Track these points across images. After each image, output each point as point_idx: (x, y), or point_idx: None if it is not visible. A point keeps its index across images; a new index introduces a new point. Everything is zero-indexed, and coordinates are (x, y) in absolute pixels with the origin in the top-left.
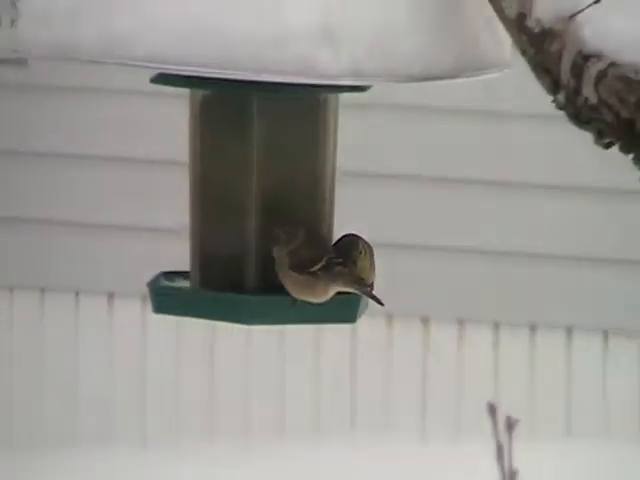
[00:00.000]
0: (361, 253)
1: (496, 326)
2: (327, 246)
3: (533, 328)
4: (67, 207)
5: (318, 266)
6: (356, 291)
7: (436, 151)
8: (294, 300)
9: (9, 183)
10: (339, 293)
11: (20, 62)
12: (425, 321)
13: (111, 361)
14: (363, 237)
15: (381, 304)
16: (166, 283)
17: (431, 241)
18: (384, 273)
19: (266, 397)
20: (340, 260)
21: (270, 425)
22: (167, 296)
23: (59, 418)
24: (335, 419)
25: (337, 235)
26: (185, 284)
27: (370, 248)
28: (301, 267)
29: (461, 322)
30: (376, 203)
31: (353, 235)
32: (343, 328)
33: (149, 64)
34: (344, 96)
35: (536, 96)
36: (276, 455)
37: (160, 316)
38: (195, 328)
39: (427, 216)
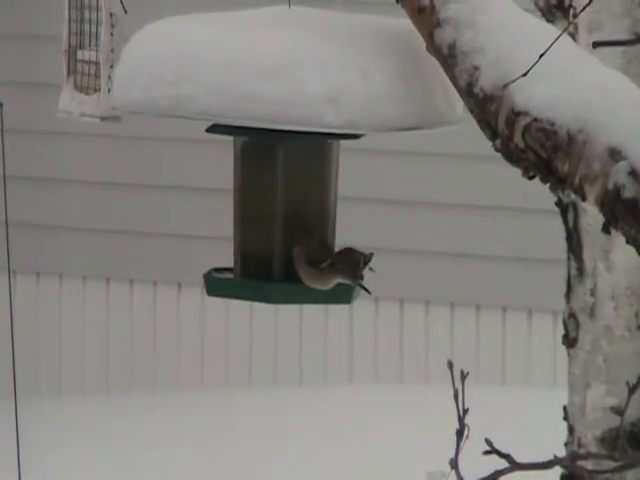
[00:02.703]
0: (360, 261)
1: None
2: (332, 251)
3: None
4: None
5: (325, 264)
6: (351, 282)
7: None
8: (307, 287)
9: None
10: (339, 283)
11: (116, 118)
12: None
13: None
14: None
15: (368, 292)
16: (217, 275)
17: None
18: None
19: (286, 348)
20: (341, 261)
21: (268, 374)
22: (217, 283)
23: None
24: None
25: (338, 242)
26: (230, 275)
27: (364, 255)
28: (314, 263)
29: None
30: (370, 222)
31: (350, 248)
32: (342, 307)
33: (205, 117)
34: (344, 142)
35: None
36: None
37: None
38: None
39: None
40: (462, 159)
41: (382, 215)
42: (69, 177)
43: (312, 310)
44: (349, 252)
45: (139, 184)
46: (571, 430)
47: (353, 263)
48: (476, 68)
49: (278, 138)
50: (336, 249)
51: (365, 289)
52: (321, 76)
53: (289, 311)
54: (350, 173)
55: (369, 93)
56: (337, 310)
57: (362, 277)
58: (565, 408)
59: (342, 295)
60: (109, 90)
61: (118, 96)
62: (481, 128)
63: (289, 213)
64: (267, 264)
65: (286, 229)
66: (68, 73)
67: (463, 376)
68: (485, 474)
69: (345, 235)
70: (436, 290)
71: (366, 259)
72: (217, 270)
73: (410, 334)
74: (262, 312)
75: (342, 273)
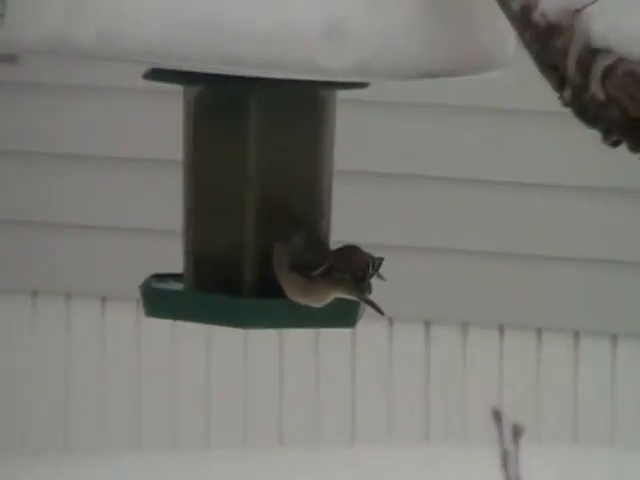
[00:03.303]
0: (367, 266)
1: (501, 330)
2: (327, 250)
3: (539, 332)
4: (59, 208)
5: (319, 270)
6: (355, 297)
7: (439, 150)
8: (292, 303)
9: None
10: (338, 299)
11: (11, 58)
12: (427, 325)
13: (104, 364)
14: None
15: (381, 313)
16: (158, 285)
17: (433, 243)
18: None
19: (264, 404)
20: (342, 267)
21: (268, 433)
22: (159, 299)
23: (51, 423)
24: (335, 428)
25: (334, 237)
26: (178, 286)
27: (373, 259)
28: (302, 269)
29: (465, 325)
30: (374, 204)
31: (355, 247)
32: (341, 333)
33: (145, 59)
34: (340, 93)
35: (542, 93)
36: (274, 464)
37: (156, 320)
38: (192, 331)
39: (428, 217)
40: (514, 116)
41: (396, 200)
42: None
43: (297, 336)
44: (352, 253)
45: (30, 151)
46: None
47: (358, 269)
48: None
49: (250, 88)
50: (332, 247)
51: (375, 307)
52: (316, 0)
53: (261, 338)
54: (351, 138)
55: (384, 23)
56: (334, 337)
57: (370, 289)
58: None
59: (342, 316)
60: (1, 16)
61: (17, 28)
62: (542, 73)
63: (265, 195)
64: (233, 270)
65: (261, 219)
66: None
67: (517, 432)
68: None
69: (345, 227)
70: (479, 307)
71: (375, 263)
72: (159, 278)
73: (440, 371)
74: (223, 339)
75: (342, 284)
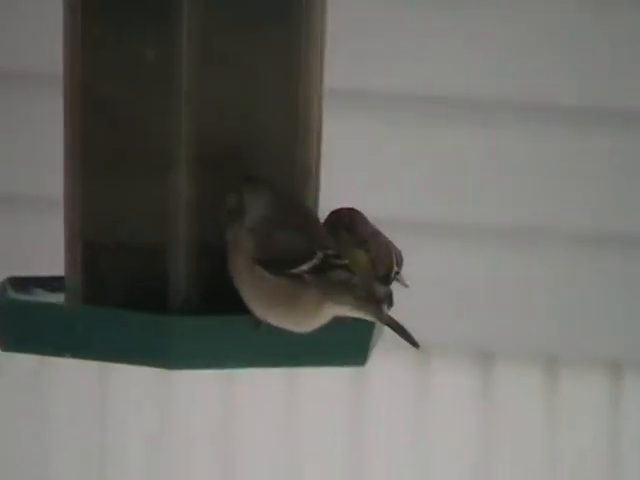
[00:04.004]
0: (390, 261)
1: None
2: (318, 230)
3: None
4: None
5: (307, 265)
6: (368, 315)
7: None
8: (258, 323)
9: None
10: (338, 318)
11: None
12: (486, 357)
13: None
14: (363, 214)
15: (416, 345)
16: (18, 296)
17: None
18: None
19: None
20: (343, 262)
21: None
22: (22, 320)
23: None
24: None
25: (326, 209)
26: (54, 298)
27: (395, 249)
28: (276, 263)
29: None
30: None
31: (361, 220)
32: (345, 374)
33: None
34: None
35: None
36: None
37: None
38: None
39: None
40: None
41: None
42: None
43: (276, 377)
44: (359, 232)
45: None
46: None
47: (374, 263)
48: None
49: None
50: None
51: (404, 334)
52: None
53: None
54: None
55: None
56: (336, 379)
57: (391, 301)
58: None
59: (344, 347)
60: None
61: None
62: None
63: (207, 139)
64: (155, 266)
65: (200, 176)
66: None
67: None
68: None
69: (334, 196)
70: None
71: (399, 258)
72: (19, 284)
73: (501, 422)
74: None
75: (346, 291)
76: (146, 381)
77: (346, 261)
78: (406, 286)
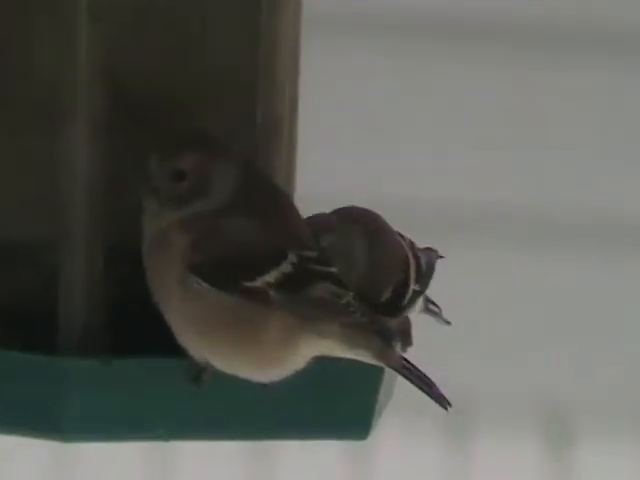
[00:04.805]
0: (409, 274)
1: None
2: (292, 221)
3: None
4: None
5: (272, 275)
6: (369, 357)
7: None
8: (199, 370)
9: None
10: (325, 360)
11: None
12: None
13: None
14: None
15: (444, 406)
16: None
17: None
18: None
19: None
20: (330, 269)
21: None
22: None
23: None
24: None
25: (304, 187)
26: None
27: (416, 252)
28: (223, 273)
29: None
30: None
31: (363, 214)
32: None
33: None
34: None
35: None
36: None
37: None
38: None
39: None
40: None
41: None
42: None
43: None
44: (357, 228)
45: None
46: None
47: (382, 277)
48: None
49: None
50: (308, 212)
51: (426, 386)
52: None
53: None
54: None
55: None
56: (328, 453)
57: (409, 340)
58: None
59: (336, 410)
60: None
61: None
62: None
63: (117, 87)
64: (37, 279)
65: (111, 140)
66: None
67: None
68: None
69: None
70: None
71: (421, 263)
72: None
73: None
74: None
75: (332, 316)
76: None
77: (334, 269)
78: (447, 323)
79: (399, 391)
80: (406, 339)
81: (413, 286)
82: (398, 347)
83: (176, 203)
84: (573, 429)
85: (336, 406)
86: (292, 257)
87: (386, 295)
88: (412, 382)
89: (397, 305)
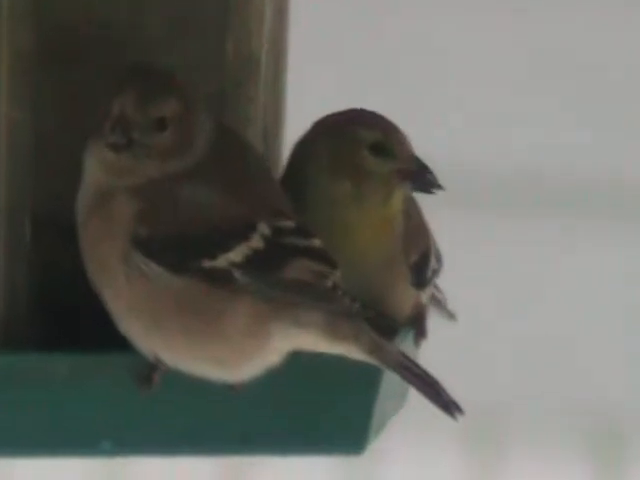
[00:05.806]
0: (425, 259)
1: None
2: (265, 185)
3: None
4: None
5: (238, 251)
6: (360, 353)
7: None
8: (150, 368)
9: None
10: (314, 356)
11: None
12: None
13: None
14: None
15: (454, 414)
16: None
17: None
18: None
19: None
20: (311, 243)
21: None
22: None
23: None
24: None
25: (297, 111)
26: None
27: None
28: (176, 250)
29: None
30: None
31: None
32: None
33: None
34: None
35: None
36: None
37: None
38: None
39: None
40: None
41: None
42: None
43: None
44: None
45: None
46: None
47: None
48: None
49: None
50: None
51: (433, 392)
52: None
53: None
54: None
55: None
56: (323, 467)
57: (425, 332)
58: None
59: (322, 418)
60: None
61: None
62: None
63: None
64: None
65: (44, 82)
66: None
67: None
68: None
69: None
70: None
71: (438, 255)
72: None
73: None
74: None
75: (312, 301)
76: None
77: (317, 241)
78: (453, 319)
79: (416, 395)
80: (420, 329)
81: (435, 262)
82: (410, 338)
83: (154, 157)
84: (623, 446)
85: (322, 414)
86: (263, 229)
87: (414, 258)
88: (412, 385)
89: (423, 273)
